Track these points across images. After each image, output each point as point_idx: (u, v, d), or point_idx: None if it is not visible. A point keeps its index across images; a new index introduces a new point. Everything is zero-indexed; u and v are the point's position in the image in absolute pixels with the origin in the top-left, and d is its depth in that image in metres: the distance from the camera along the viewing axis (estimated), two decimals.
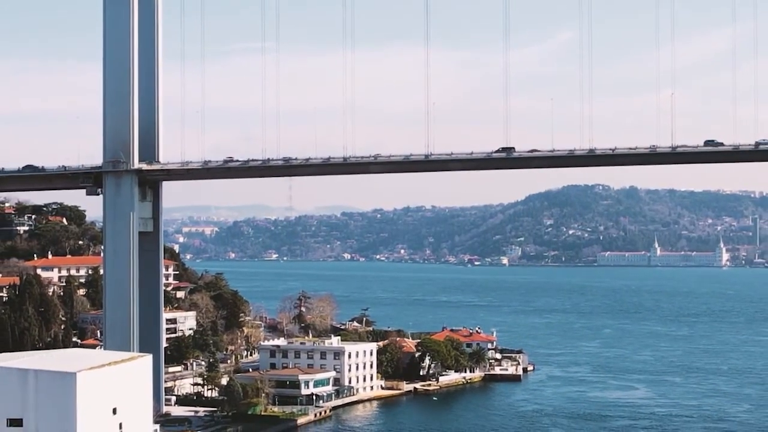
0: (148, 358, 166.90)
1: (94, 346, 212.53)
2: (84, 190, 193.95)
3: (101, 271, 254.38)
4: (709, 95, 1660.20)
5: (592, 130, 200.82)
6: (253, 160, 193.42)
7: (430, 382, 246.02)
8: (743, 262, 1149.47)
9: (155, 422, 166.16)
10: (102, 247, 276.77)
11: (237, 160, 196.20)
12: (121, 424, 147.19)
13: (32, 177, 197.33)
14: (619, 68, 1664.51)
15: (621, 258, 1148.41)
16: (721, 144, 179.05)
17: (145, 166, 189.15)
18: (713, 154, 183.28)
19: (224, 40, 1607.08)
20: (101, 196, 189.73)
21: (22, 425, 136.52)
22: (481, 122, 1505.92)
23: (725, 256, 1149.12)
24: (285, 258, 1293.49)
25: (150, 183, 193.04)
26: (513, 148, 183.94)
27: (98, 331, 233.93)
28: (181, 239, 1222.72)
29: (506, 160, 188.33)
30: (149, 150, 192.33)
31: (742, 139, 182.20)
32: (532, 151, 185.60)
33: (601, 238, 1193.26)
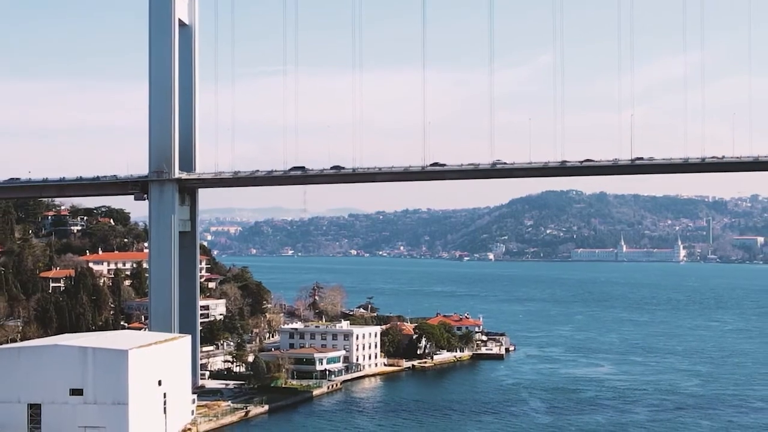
0: (187, 339, 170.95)
1: (138, 329, 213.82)
2: (132, 196, 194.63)
3: (145, 265, 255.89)
4: (667, 112, 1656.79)
5: (564, 143, 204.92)
6: (275, 171, 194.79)
7: (425, 360, 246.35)
8: (698, 258, 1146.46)
9: (193, 393, 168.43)
10: (146, 245, 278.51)
11: (262, 171, 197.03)
12: (165, 394, 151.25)
13: (88, 185, 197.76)
14: (592, 87, 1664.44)
15: (592, 254, 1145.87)
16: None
17: (184, 176, 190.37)
18: (666, 166, 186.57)
19: (251, 63, 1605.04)
20: (147, 201, 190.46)
21: (82, 394, 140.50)
22: (471, 135, 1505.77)
23: (682, 252, 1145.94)
24: (300, 254, 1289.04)
25: (188, 190, 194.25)
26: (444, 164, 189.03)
27: (142, 316, 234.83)
28: (209, 237, 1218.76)
29: (491, 170, 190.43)
30: (187, 161, 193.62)
31: (691, 152, 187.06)
32: (511, 163, 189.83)
33: (575, 236, 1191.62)
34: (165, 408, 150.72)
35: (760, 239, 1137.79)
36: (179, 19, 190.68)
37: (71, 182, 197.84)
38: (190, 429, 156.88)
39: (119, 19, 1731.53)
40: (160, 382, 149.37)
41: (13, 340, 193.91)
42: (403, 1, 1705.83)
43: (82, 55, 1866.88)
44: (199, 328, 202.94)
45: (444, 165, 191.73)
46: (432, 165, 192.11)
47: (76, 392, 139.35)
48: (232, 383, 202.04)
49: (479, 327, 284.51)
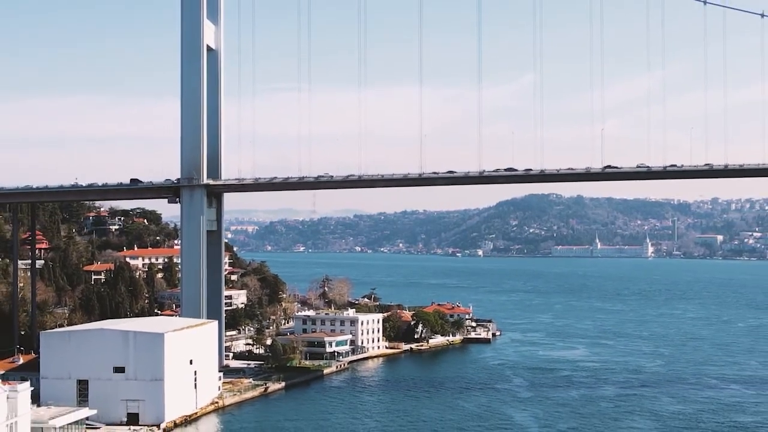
0: (214, 324, 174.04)
1: (170, 316, 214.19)
2: (165, 200, 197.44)
3: (175, 260, 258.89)
4: (638, 125, 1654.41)
5: (543, 152, 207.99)
6: (291, 177, 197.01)
7: (422, 344, 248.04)
8: (664, 254, 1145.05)
9: (219, 371, 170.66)
10: (176, 242, 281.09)
11: (279, 177, 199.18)
12: (195, 372, 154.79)
13: (128, 189, 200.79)
14: (570, 102, 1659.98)
15: (570, 251, 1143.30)
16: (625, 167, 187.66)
17: (211, 182, 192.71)
18: (632, 173, 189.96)
19: (268, 81, 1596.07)
20: (178, 204, 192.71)
21: (124, 371, 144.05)
22: (463, 145, 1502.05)
23: (650, 249, 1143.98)
24: (310, 250, 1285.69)
25: (215, 194, 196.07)
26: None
27: (174, 304, 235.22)
28: (230, 235, 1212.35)
29: (478, 177, 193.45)
30: (214, 168, 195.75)
31: (656, 161, 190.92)
32: (497, 170, 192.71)
33: (555, 235, 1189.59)
34: (195, 384, 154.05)
35: (719, 237, 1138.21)
36: (207, 45, 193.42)
37: (113, 187, 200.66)
38: (217, 402, 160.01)
39: (152, 44, 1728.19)
40: (191, 361, 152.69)
41: (61, 325, 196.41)
42: (403, 25, 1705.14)
43: (119, 74, 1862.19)
44: (224, 314, 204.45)
45: (437, 173, 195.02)
46: (427, 173, 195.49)
47: (119, 370, 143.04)
48: (253, 363, 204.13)
49: (469, 314, 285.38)
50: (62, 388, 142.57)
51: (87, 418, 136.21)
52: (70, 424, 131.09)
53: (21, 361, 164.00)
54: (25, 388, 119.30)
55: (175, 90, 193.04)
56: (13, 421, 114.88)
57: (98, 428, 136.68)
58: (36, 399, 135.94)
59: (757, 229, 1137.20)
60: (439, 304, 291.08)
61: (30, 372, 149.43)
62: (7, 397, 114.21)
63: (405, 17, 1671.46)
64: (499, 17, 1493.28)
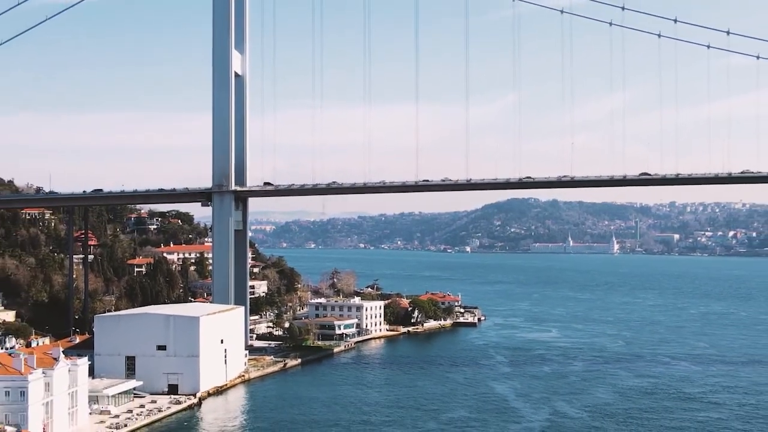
0: (241, 309, 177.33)
1: (203, 302, 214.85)
2: (198, 203, 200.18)
3: (206, 255, 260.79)
4: (602, 139, 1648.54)
5: (522, 163, 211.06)
6: (306, 185, 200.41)
7: (418, 327, 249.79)
8: (628, 250, 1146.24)
9: (245, 349, 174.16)
10: (207, 239, 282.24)
11: (296, 184, 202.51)
12: (225, 350, 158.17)
13: (167, 194, 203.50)
14: (546, 119, 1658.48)
15: (546, 248, 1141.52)
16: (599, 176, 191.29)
17: (238, 188, 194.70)
18: (596, 181, 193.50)
19: (286, 97, 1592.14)
20: (210, 207, 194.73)
21: (166, 349, 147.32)
22: (453, 156, 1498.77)
23: (616, 246, 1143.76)
24: (320, 247, 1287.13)
25: (241, 198, 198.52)
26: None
27: (204, 293, 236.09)
28: (250, 234, 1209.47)
29: (465, 185, 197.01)
30: (240, 176, 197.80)
31: (618, 170, 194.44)
32: (482, 179, 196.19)
33: (533, 234, 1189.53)
34: (225, 360, 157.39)
35: (676, 236, 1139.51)
36: (235, 72, 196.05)
37: (154, 192, 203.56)
38: (243, 376, 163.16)
39: (187, 67, 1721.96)
40: (222, 341, 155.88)
41: (109, 311, 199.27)
42: (402, 50, 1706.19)
43: (159, 93, 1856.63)
44: (249, 301, 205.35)
45: (431, 181, 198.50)
46: (423, 181, 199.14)
47: (161, 348, 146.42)
48: (273, 343, 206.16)
49: (458, 302, 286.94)
50: (113, 363, 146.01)
51: (134, 389, 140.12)
52: (120, 393, 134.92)
53: (77, 341, 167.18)
54: (83, 363, 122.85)
55: (205, 107, 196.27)
56: (74, 390, 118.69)
57: (143, 397, 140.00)
58: (91, 372, 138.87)
59: (708, 229, 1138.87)
60: (432, 293, 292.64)
61: (85, 350, 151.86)
62: (69, 370, 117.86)
63: (405, 45, 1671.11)
64: (486, 45, 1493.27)
